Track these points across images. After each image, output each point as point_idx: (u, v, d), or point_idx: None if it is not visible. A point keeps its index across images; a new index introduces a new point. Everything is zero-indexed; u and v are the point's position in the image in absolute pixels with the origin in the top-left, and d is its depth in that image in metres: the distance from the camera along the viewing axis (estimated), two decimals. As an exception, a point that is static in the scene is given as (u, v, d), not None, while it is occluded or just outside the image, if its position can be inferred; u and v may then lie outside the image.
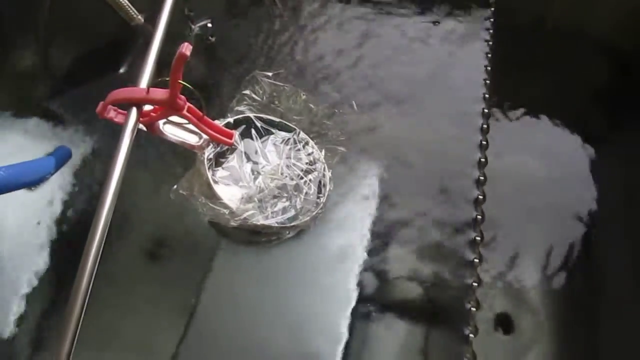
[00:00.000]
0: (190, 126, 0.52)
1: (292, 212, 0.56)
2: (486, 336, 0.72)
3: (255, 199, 0.55)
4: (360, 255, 0.57)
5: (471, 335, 0.51)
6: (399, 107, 0.66)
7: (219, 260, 0.57)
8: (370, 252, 0.57)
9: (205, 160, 0.54)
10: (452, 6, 0.75)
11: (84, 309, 0.37)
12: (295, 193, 0.57)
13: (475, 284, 0.53)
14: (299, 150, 0.59)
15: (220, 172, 0.56)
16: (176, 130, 0.53)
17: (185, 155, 0.56)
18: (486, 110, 0.65)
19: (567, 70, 0.88)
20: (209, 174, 0.54)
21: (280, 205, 0.56)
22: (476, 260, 0.55)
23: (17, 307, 0.56)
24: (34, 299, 0.56)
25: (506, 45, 0.74)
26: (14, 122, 0.68)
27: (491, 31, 0.73)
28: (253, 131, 0.59)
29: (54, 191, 0.61)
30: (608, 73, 0.90)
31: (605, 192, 0.82)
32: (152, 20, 0.53)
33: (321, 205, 0.57)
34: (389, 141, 0.64)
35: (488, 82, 0.67)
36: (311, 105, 0.61)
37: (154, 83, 0.47)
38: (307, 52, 0.70)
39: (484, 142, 0.62)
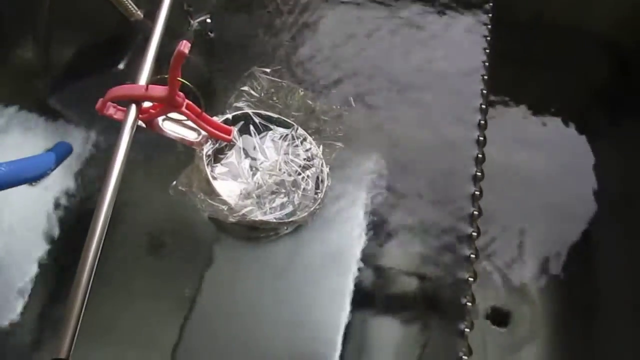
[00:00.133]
0: (189, 123, 0.53)
1: (290, 208, 0.56)
2: (482, 330, 0.73)
3: (254, 195, 0.55)
4: (357, 250, 0.58)
5: (467, 329, 0.51)
6: (397, 102, 0.66)
7: (218, 255, 0.57)
8: (368, 247, 0.58)
9: (204, 156, 0.54)
10: (450, 1, 0.75)
11: (85, 303, 0.38)
12: (293, 189, 0.57)
13: (471, 279, 0.54)
14: (297, 146, 0.60)
15: (219, 169, 0.57)
16: (175, 127, 0.53)
17: (184, 152, 0.56)
18: (484, 106, 0.65)
19: (566, 67, 0.88)
20: (208, 170, 0.54)
21: (278, 201, 0.56)
22: (472, 256, 0.55)
23: (17, 302, 0.56)
24: (34, 293, 0.57)
25: (505, 41, 0.74)
26: (13, 117, 0.69)
27: (489, 27, 0.73)
28: (251, 127, 0.59)
29: (55, 186, 0.61)
30: (607, 69, 0.90)
31: (604, 188, 0.83)
32: (152, 15, 0.53)
33: (319, 201, 0.57)
34: (386, 137, 0.64)
35: (486, 77, 0.68)
36: (309, 102, 0.61)
37: (153, 80, 0.47)
38: (305, 48, 0.70)
39: (482, 138, 0.63)
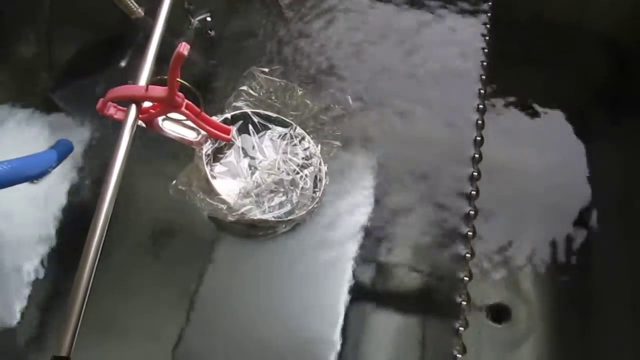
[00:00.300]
0: (189, 122, 0.53)
1: (288, 207, 0.57)
2: (480, 327, 0.74)
3: (253, 194, 0.56)
4: (354, 248, 0.58)
5: (461, 328, 0.52)
6: (395, 101, 0.67)
7: (217, 252, 0.58)
8: (365, 246, 0.58)
9: (204, 156, 0.55)
10: (449, 1, 0.75)
11: (86, 301, 0.38)
12: (292, 188, 0.58)
13: (466, 279, 0.55)
14: (295, 145, 0.60)
15: (219, 168, 0.57)
16: (175, 127, 0.54)
17: (184, 151, 0.57)
18: (481, 106, 0.65)
19: (565, 66, 0.88)
20: (207, 169, 0.55)
21: (276, 200, 0.57)
22: (468, 255, 0.56)
23: (19, 296, 0.57)
24: (36, 288, 0.58)
25: (504, 41, 0.74)
26: (15, 114, 0.69)
27: (488, 26, 0.73)
28: (250, 127, 0.60)
29: (56, 184, 0.62)
30: (607, 69, 0.90)
31: (603, 187, 0.83)
32: (152, 13, 0.53)
33: (317, 199, 0.58)
34: (384, 136, 0.65)
35: (484, 77, 0.68)
36: (307, 101, 0.62)
37: (153, 81, 0.48)
38: (304, 48, 0.70)
39: (479, 138, 0.63)
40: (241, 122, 0.60)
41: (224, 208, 0.53)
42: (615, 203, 0.82)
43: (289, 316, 0.55)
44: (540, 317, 0.75)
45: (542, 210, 0.81)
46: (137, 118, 0.47)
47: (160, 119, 0.53)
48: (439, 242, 0.59)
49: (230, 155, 0.58)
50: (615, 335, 0.73)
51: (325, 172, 0.60)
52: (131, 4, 0.70)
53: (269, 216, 0.55)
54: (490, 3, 0.74)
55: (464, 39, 0.71)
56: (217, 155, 0.58)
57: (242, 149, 0.59)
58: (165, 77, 0.46)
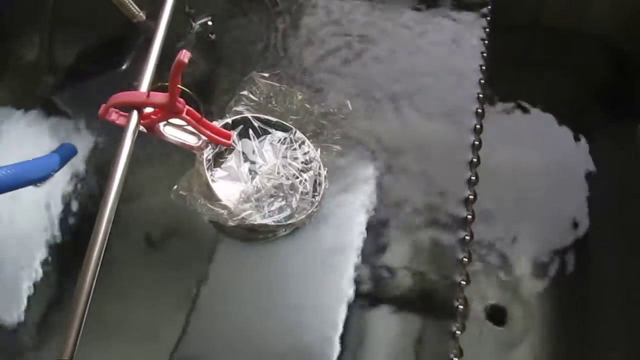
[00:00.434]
0: (190, 128, 0.54)
1: (288, 211, 0.57)
2: (479, 328, 0.74)
3: (253, 199, 0.56)
4: (353, 252, 0.59)
5: (458, 332, 0.53)
6: (394, 106, 0.67)
7: (218, 256, 0.59)
8: (363, 249, 0.59)
9: (204, 160, 0.55)
10: (448, 4, 0.75)
11: (88, 306, 0.39)
12: (291, 192, 0.58)
13: (463, 283, 0.55)
14: (295, 149, 0.61)
15: (219, 172, 0.58)
16: (176, 132, 0.55)
17: (185, 156, 0.57)
18: (480, 110, 0.66)
19: (565, 68, 0.89)
20: (208, 174, 0.55)
21: (276, 204, 0.57)
22: (465, 260, 0.56)
23: (22, 299, 0.58)
24: (38, 290, 0.58)
25: (503, 44, 0.75)
26: (18, 117, 0.70)
27: (487, 30, 0.73)
28: (251, 131, 0.60)
29: (59, 188, 0.63)
30: (605, 71, 0.91)
31: (601, 188, 0.83)
32: (154, 17, 0.54)
33: (316, 203, 0.58)
34: (383, 140, 0.65)
35: (483, 81, 0.68)
36: (307, 105, 0.62)
37: (154, 88, 0.48)
38: (303, 52, 0.71)
39: (477, 142, 0.64)
40: (242, 126, 0.60)
41: (225, 213, 0.54)
42: (614, 204, 0.83)
43: (288, 318, 0.56)
44: (537, 318, 0.75)
45: (541, 211, 0.81)
46: (138, 124, 0.47)
47: (161, 124, 0.53)
48: (437, 245, 0.59)
49: (231, 160, 0.59)
50: (611, 335, 0.74)
51: (325, 176, 0.60)
52: (133, 8, 0.71)
53: (269, 221, 0.56)
54: (489, 7, 0.74)
55: (464, 43, 0.72)
56: (217, 160, 0.59)
57: (243, 153, 0.59)
58: (166, 83, 0.47)
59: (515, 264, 0.78)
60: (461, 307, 0.54)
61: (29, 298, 0.58)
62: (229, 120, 0.59)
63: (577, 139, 0.87)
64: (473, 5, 0.75)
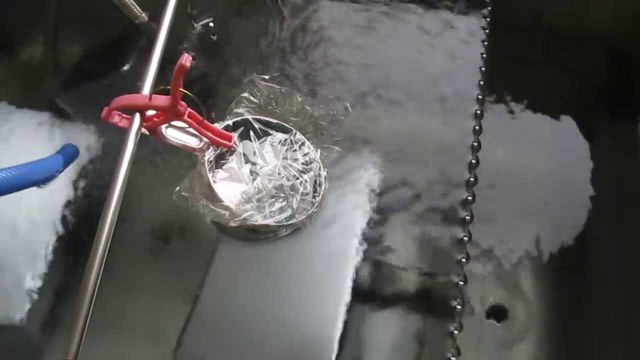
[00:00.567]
0: (191, 130, 0.55)
1: (288, 212, 0.58)
2: (479, 326, 0.75)
3: (254, 200, 0.57)
4: (353, 252, 0.59)
5: (455, 331, 0.54)
6: (393, 107, 0.68)
7: (219, 255, 0.59)
8: (363, 249, 0.60)
9: (206, 162, 0.56)
10: (448, 5, 0.76)
11: (92, 305, 0.39)
12: (292, 193, 0.59)
13: (461, 283, 0.56)
14: (295, 150, 0.62)
15: (221, 174, 0.59)
16: (178, 134, 0.55)
17: (187, 158, 0.58)
18: (479, 112, 0.66)
19: (565, 69, 0.89)
20: (210, 175, 0.56)
21: (277, 205, 0.58)
22: (463, 260, 0.57)
23: (25, 299, 0.59)
24: (42, 290, 0.59)
25: (502, 45, 0.75)
26: (22, 118, 0.71)
27: (487, 31, 0.74)
28: (251, 133, 0.61)
29: (62, 188, 0.63)
30: (606, 71, 0.91)
31: (602, 188, 0.83)
32: (156, 18, 0.54)
33: (316, 204, 0.59)
34: (382, 141, 0.66)
35: (482, 83, 0.69)
36: (307, 107, 0.63)
37: (156, 91, 0.49)
38: (304, 54, 0.71)
39: (476, 144, 0.64)
40: (242, 128, 0.61)
41: (226, 214, 0.54)
42: (614, 204, 0.83)
43: (289, 317, 0.56)
44: (537, 316, 0.76)
45: (541, 211, 0.82)
46: (141, 126, 0.48)
47: (163, 126, 0.54)
48: (436, 245, 0.60)
49: (232, 161, 0.59)
50: (611, 335, 0.75)
51: (325, 177, 0.61)
52: (135, 9, 0.71)
53: (270, 221, 0.57)
54: (489, 8, 0.75)
55: (463, 44, 0.72)
56: (219, 161, 0.59)
57: (244, 154, 0.60)
58: (168, 87, 0.47)
59: (515, 264, 0.79)
60: (459, 307, 0.55)
61: (32, 297, 0.59)
62: (229, 122, 0.60)
63: (577, 139, 0.87)
64: (473, 6, 0.75)
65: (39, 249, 0.61)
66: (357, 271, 0.58)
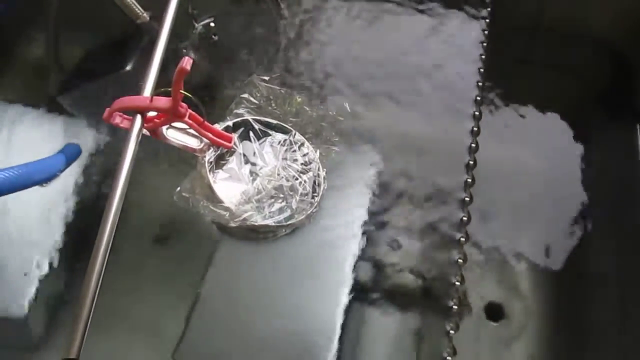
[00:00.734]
0: (192, 131, 0.55)
1: (288, 212, 0.59)
2: (476, 324, 0.76)
3: (254, 200, 0.58)
4: (351, 251, 0.60)
5: (452, 331, 0.54)
6: (392, 108, 0.68)
7: (220, 255, 0.60)
8: (362, 248, 0.60)
9: (206, 163, 0.57)
10: (447, 6, 0.76)
11: (94, 302, 0.40)
12: (291, 193, 0.60)
13: (458, 283, 0.57)
14: (294, 151, 0.62)
15: (221, 174, 0.59)
16: (178, 135, 0.56)
17: (187, 159, 0.59)
18: (477, 113, 0.67)
19: (563, 70, 0.89)
20: (210, 176, 0.57)
21: (277, 205, 0.59)
22: (460, 260, 0.58)
23: (28, 298, 0.59)
24: (44, 289, 0.60)
25: (501, 46, 0.75)
26: (24, 117, 0.71)
27: (486, 32, 0.74)
28: (251, 133, 0.62)
29: (64, 188, 0.64)
30: (605, 71, 0.91)
31: (600, 188, 0.84)
32: (157, 18, 0.55)
33: (315, 204, 0.60)
34: (380, 141, 0.66)
35: (481, 84, 0.69)
36: (306, 108, 0.63)
37: (157, 93, 0.49)
38: (304, 54, 0.72)
39: (473, 145, 0.65)
40: (242, 129, 0.61)
41: (227, 214, 0.55)
42: (613, 204, 0.84)
43: (288, 316, 0.57)
44: (534, 315, 0.77)
45: (541, 211, 0.83)
46: (142, 127, 0.49)
47: (164, 128, 0.55)
48: (434, 246, 0.60)
49: (232, 162, 0.60)
50: (608, 334, 0.75)
51: (324, 177, 0.62)
52: (136, 9, 0.71)
53: (269, 221, 0.57)
54: (489, 10, 0.75)
55: (462, 46, 0.73)
56: (219, 162, 0.60)
57: (244, 155, 0.61)
58: (169, 88, 0.48)
59: (513, 264, 0.79)
60: (455, 307, 0.55)
61: (34, 297, 0.60)
62: (229, 123, 0.60)
63: (576, 139, 0.88)
64: (472, 7, 0.76)
65: (41, 248, 0.62)
66: (355, 271, 0.59)
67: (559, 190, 0.85)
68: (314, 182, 0.61)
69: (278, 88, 0.63)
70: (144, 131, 0.51)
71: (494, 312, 0.78)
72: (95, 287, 0.41)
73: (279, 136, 0.62)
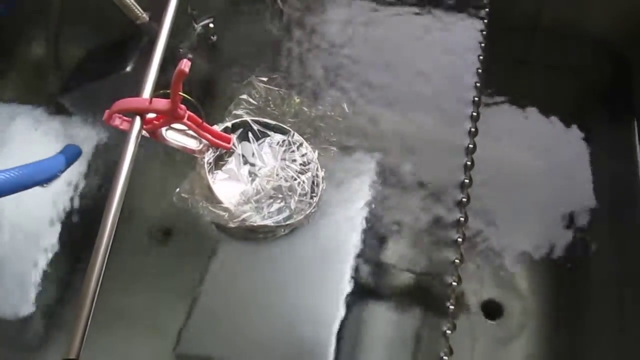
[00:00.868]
0: (191, 132, 0.56)
1: (286, 212, 0.59)
2: (474, 323, 0.76)
3: (252, 201, 0.58)
4: (350, 251, 0.60)
5: (448, 331, 0.55)
6: (389, 108, 0.69)
7: (220, 255, 0.60)
8: (361, 248, 0.61)
9: (206, 164, 0.57)
10: (445, 7, 0.76)
11: (94, 302, 0.40)
12: (290, 194, 0.60)
13: (454, 283, 0.57)
14: (293, 151, 0.62)
15: (220, 175, 0.60)
16: (177, 136, 0.56)
17: (187, 160, 0.59)
18: (475, 114, 0.67)
19: (562, 70, 0.89)
20: (209, 177, 0.57)
21: (275, 205, 0.59)
22: (457, 261, 0.58)
23: (28, 297, 0.60)
24: (44, 289, 0.60)
25: (499, 47, 0.76)
26: (24, 117, 0.72)
27: (484, 32, 0.74)
28: (250, 134, 0.62)
29: (65, 188, 0.64)
30: (604, 71, 0.91)
31: (599, 188, 0.84)
32: (157, 18, 0.55)
33: (314, 204, 0.60)
34: (379, 141, 0.66)
35: (478, 85, 0.69)
36: (305, 108, 0.64)
37: (156, 94, 0.50)
38: (303, 55, 0.72)
39: (471, 146, 0.65)
40: (241, 130, 0.62)
41: (226, 215, 0.55)
42: (612, 204, 0.84)
43: (287, 316, 0.57)
44: (531, 315, 0.77)
45: (540, 211, 0.83)
46: (141, 129, 0.49)
47: (163, 129, 0.55)
48: (432, 246, 0.61)
49: (231, 163, 0.60)
50: (607, 333, 0.76)
51: (322, 178, 0.62)
52: (136, 10, 0.72)
53: (268, 222, 0.58)
54: (487, 10, 0.75)
55: (460, 46, 0.73)
56: (218, 163, 0.60)
57: (243, 156, 0.61)
58: (168, 90, 0.48)
59: (511, 264, 0.80)
60: (452, 307, 0.56)
61: (34, 296, 0.60)
62: (228, 124, 0.61)
63: (575, 140, 0.88)
64: (470, 8, 0.76)
65: (41, 248, 0.62)
66: (353, 271, 0.59)
67: (557, 191, 0.85)
68: (313, 182, 0.62)
69: (277, 89, 0.63)
70: (144, 133, 0.52)
71: (492, 310, 0.78)
72: (95, 287, 0.41)
73: (278, 137, 0.63)
